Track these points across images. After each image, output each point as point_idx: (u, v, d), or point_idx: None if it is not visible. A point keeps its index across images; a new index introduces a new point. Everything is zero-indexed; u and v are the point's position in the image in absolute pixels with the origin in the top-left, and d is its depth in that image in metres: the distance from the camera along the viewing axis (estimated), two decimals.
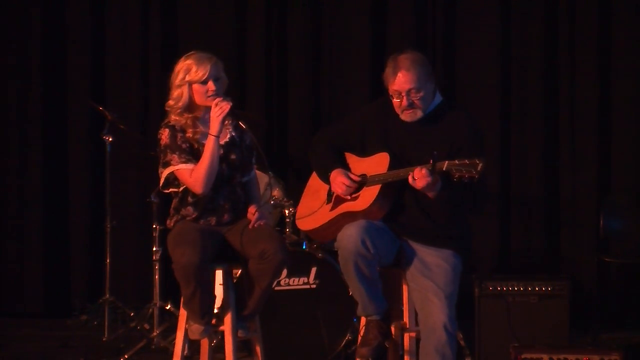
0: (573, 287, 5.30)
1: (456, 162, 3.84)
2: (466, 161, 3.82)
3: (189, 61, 4.34)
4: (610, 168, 6.41)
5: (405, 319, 4.33)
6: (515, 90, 6.50)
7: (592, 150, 6.39)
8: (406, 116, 4.12)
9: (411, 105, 4.09)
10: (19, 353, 5.69)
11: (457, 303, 4.18)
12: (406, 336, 4.32)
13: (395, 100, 4.12)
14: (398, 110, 4.13)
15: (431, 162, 3.86)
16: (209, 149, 4.26)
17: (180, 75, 4.33)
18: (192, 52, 4.39)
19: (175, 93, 4.35)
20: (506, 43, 6.48)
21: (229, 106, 4.26)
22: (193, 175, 4.27)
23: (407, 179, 3.95)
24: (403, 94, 4.08)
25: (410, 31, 6.49)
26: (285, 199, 5.61)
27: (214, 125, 4.27)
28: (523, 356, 4.79)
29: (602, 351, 4.79)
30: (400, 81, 4.06)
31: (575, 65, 6.41)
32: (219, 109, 4.26)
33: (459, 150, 4.00)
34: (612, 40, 6.39)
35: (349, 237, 4.01)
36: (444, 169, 3.86)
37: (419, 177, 3.90)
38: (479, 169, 3.79)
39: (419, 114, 4.11)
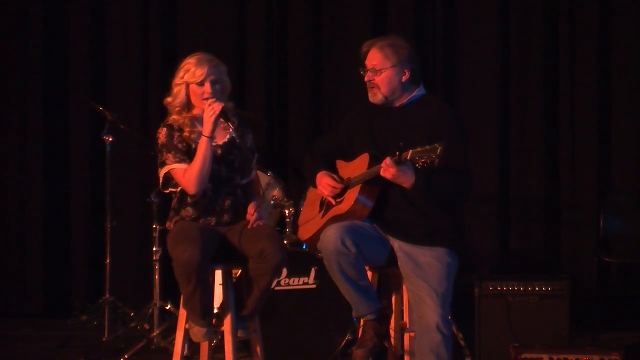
0: (573, 287, 5.30)
1: (418, 149, 3.87)
2: (427, 147, 3.85)
3: (190, 61, 4.37)
4: (610, 168, 6.40)
5: (406, 319, 4.34)
6: (515, 89, 6.50)
7: (592, 150, 6.38)
8: (370, 94, 4.26)
9: (370, 83, 4.23)
10: (19, 353, 5.69)
11: (457, 303, 4.18)
12: (406, 336, 4.32)
13: (362, 73, 4.27)
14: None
15: (397, 153, 3.91)
16: (202, 149, 4.27)
17: (180, 74, 4.37)
18: (197, 52, 4.41)
19: (174, 90, 4.39)
20: (506, 42, 6.48)
21: (220, 107, 4.27)
22: (186, 175, 4.28)
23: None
24: (367, 69, 4.24)
25: (410, 31, 6.48)
26: (285, 199, 5.60)
27: (206, 126, 4.28)
28: (523, 356, 4.79)
29: (602, 351, 4.79)
30: (368, 57, 4.25)
31: (575, 65, 6.41)
32: (211, 110, 4.27)
33: (439, 141, 4.01)
34: (613, 39, 6.38)
35: (329, 238, 4.04)
36: (408, 158, 3.89)
37: (385, 168, 3.95)
38: (438, 152, 3.80)
39: (379, 96, 4.23)
